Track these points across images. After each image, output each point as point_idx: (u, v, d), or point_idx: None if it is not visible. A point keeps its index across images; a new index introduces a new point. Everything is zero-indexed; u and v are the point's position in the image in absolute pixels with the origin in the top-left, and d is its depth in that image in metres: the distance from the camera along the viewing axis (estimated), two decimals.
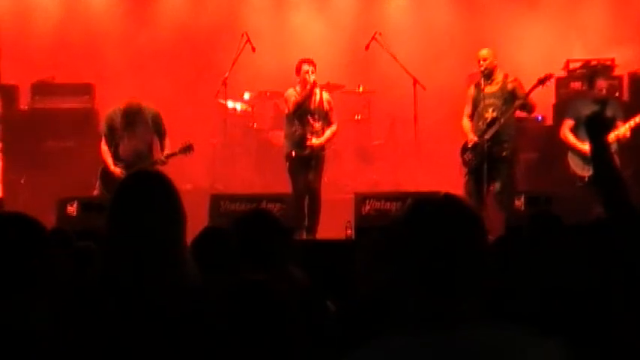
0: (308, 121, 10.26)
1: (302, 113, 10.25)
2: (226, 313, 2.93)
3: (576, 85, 11.93)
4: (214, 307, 2.94)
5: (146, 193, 3.39)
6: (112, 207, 3.39)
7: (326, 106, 10.36)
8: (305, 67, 10.20)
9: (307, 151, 10.22)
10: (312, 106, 10.27)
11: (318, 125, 10.30)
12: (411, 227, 2.44)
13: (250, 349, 2.86)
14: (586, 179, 10.06)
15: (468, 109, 10.23)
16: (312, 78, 10.17)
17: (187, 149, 10.23)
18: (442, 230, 2.40)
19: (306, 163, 10.25)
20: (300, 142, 10.26)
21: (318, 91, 10.36)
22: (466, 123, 10.20)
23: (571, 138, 10.33)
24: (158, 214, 3.33)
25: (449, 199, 2.50)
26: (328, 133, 10.36)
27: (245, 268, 4.38)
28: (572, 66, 12.18)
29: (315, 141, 10.23)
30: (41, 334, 3.10)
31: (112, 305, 3.20)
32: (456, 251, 2.38)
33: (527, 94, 9.92)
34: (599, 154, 4.03)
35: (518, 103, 9.99)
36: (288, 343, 2.85)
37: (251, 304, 2.94)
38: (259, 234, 4.66)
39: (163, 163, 10.05)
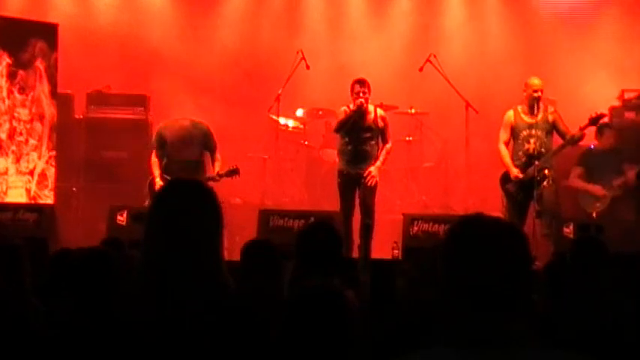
0: (361, 138, 10.17)
1: (356, 130, 10.16)
2: (299, 319, 2.98)
3: (631, 114, 11.84)
4: (257, 317, 2.96)
5: (183, 199, 3.38)
6: (149, 214, 3.41)
7: (380, 123, 10.18)
8: (357, 87, 10.07)
9: (360, 170, 10.14)
10: (365, 123, 10.13)
11: (372, 142, 10.20)
12: (457, 246, 2.45)
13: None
14: (594, 215, 10.91)
15: (504, 135, 10.07)
16: (363, 99, 10.04)
17: (233, 172, 10.25)
18: (488, 248, 2.40)
19: (357, 182, 10.12)
20: (353, 160, 10.18)
21: (372, 108, 10.21)
22: (504, 150, 10.05)
23: (579, 183, 11.17)
24: (193, 221, 3.32)
25: (492, 218, 2.50)
26: (384, 153, 10.21)
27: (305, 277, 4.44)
28: (627, 96, 12.08)
29: (372, 169, 10.10)
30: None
31: (147, 313, 3.21)
32: (501, 269, 2.38)
33: (581, 132, 9.81)
34: None
35: (569, 142, 9.90)
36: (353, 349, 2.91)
37: (327, 312, 2.99)
38: (324, 244, 4.78)
39: (215, 180, 10.11)
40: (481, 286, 2.38)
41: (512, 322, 2.37)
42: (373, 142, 10.19)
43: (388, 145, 10.29)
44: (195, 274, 3.24)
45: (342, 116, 10.15)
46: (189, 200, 3.37)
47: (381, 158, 10.20)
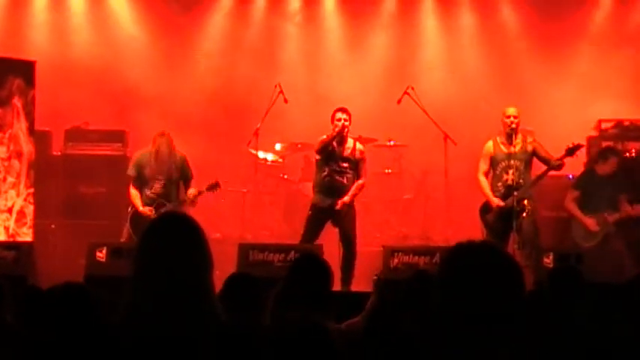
0: (338, 168, 10.20)
1: (334, 159, 10.20)
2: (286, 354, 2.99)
3: (608, 144, 11.87)
4: (250, 349, 2.96)
5: (173, 235, 3.39)
6: (139, 249, 3.40)
7: (357, 155, 10.25)
8: (338, 114, 10.16)
9: (332, 203, 10.15)
10: (343, 153, 10.19)
11: (349, 174, 10.21)
12: (452, 274, 2.46)
13: None
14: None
15: (484, 166, 10.16)
16: (343, 125, 10.09)
17: (214, 187, 10.33)
18: (485, 276, 2.41)
19: (328, 214, 10.18)
20: (327, 191, 10.20)
21: (352, 140, 10.30)
22: (483, 180, 10.14)
23: (574, 210, 10.94)
24: (184, 256, 3.33)
25: (488, 246, 2.51)
26: (354, 188, 10.22)
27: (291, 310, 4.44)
28: (604, 125, 12.13)
29: (340, 202, 10.14)
30: None
31: (136, 345, 3.19)
32: (496, 293, 2.39)
33: (560, 161, 9.85)
34: None
35: (548, 170, 9.95)
36: None
37: (312, 346, 3.00)
38: (312, 277, 4.78)
39: (191, 202, 10.15)
40: (476, 308, 2.39)
41: (502, 336, 2.39)
42: (350, 175, 10.23)
43: (361, 181, 10.32)
44: (186, 307, 3.24)
45: (323, 138, 10.19)
46: (177, 235, 3.38)
47: (350, 193, 10.21)
